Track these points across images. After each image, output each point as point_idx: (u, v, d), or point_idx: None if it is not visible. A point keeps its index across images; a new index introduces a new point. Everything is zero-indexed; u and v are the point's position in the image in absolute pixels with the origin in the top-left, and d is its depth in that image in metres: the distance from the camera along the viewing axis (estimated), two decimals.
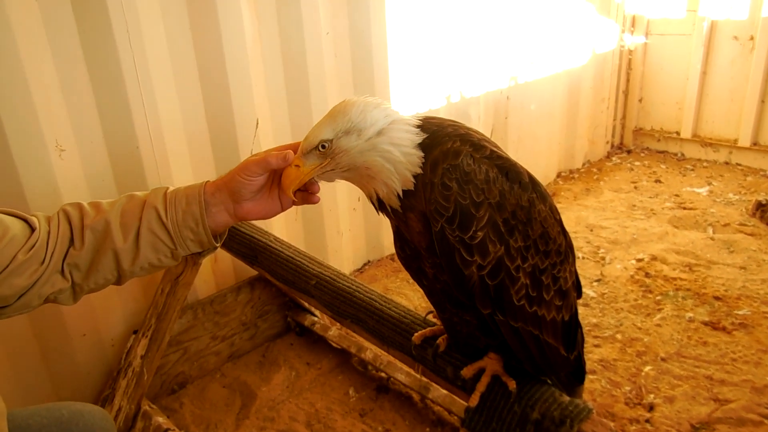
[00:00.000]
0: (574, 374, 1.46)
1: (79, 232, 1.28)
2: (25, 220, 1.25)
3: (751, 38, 4.59)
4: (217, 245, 1.39)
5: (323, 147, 1.19)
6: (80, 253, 1.27)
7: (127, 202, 1.33)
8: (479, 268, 1.18)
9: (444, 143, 1.18)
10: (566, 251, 1.32)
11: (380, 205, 1.25)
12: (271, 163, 1.26)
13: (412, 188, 1.19)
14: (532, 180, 1.26)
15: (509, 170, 1.20)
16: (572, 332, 1.40)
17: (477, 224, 1.15)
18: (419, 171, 1.17)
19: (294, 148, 1.27)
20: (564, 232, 1.34)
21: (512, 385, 1.31)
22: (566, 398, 1.28)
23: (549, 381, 1.36)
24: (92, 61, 2.08)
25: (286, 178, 1.24)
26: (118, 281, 1.34)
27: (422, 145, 1.19)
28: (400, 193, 1.19)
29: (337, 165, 1.20)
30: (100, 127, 2.16)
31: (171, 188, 1.36)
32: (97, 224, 1.28)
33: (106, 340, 2.37)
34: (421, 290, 1.40)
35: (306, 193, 1.31)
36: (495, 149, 1.23)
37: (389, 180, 1.18)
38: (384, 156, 1.17)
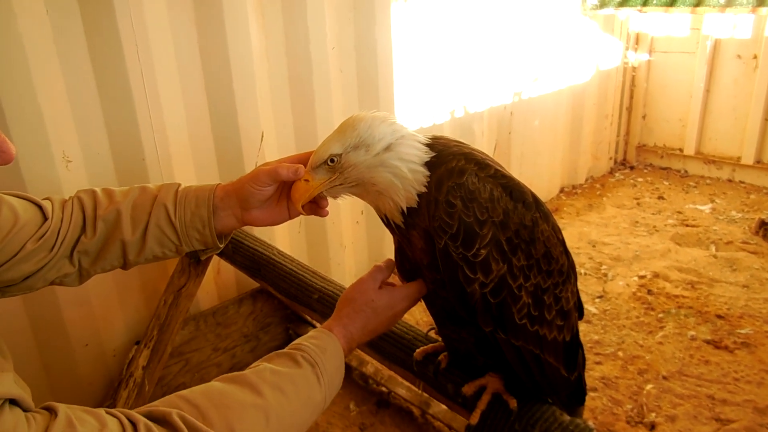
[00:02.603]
0: (574, 395, 1.45)
1: (91, 221, 1.32)
2: (39, 206, 1.27)
3: (755, 57, 4.62)
4: (221, 246, 1.44)
5: (332, 161, 1.20)
6: (91, 241, 1.31)
7: (139, 195, 1.37)
8: (482, 286, 1.18)
9: (449, 162, 1.18)
10: (568, 272, 1.32)
11: (387, 221, 1.27)
12: (281, 174, 1.30)
13: (416, 206, 1.19)
14: (536, 200, 1.26)
15: (513, 189, 1.21)
16: (573, 353, 1.40)
17: (480, 242, 1.15)
18: (423, 190, 1.18)
19: (304, 159, 1.30)
20: (566, 253, 1.34)
21: (513, 403, 1.31)
22: (567, 417, 1.28)
23: (549, 400, 1.36)
24: (101, 74, 2.10)
25: (296, 192, 1.27)
26: (124, 267, 1.39)
27: (428, 164, 1.19)
28: (405, 210, 1.20)
29: (346, 180, 1.21)
30: (107, 139, 2.19)
31: (182, 186, 1.40)
32: (109, 214, 1.32)
33: (107, 350, 2.37)
34: (422, 305, 1.42)
35: (314, 206, 1.34)
36: (499, 168, 1.24)
37: (396, 196, 1.19)
38: (392, 171, 1.18)
